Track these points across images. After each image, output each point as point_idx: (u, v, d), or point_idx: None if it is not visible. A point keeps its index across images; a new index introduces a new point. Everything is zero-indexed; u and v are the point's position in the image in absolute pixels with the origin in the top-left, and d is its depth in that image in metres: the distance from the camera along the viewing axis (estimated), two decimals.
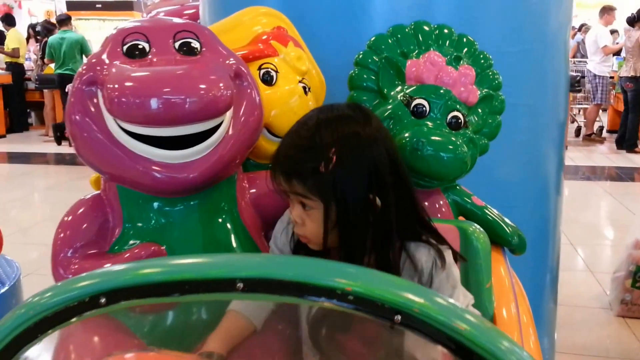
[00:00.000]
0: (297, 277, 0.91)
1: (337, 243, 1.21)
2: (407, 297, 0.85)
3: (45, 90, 10.66)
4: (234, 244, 1.47)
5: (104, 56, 1.37)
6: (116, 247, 1.42)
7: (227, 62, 1.42)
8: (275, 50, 1.69)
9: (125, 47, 1.37)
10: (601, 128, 10.96)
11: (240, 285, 0.92)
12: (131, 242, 1.42)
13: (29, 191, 7.04)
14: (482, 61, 1.78)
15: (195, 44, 1.40)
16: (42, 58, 10.52)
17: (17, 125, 11.51)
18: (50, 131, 10.35)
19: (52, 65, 10.11)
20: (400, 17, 1.94)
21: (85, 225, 1.43)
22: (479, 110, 1.73)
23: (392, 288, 0.87)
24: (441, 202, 1.74)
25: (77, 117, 1.35)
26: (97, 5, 13.81)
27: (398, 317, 0.85)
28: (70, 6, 13.66)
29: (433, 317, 0.84)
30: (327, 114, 1.23)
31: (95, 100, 1.35)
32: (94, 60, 1.37)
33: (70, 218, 1.44)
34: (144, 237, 1.42)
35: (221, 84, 1.31)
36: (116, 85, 1.28)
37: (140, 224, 1.44)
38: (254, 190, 1.55)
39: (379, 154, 1.21)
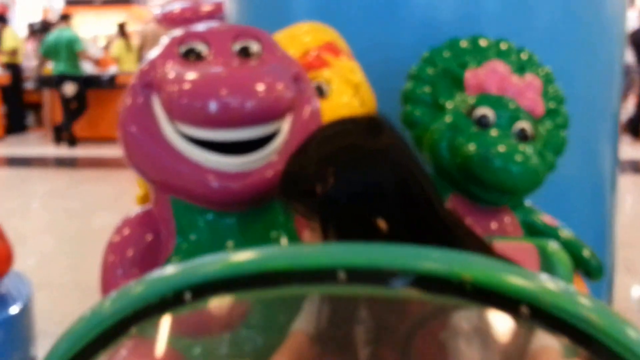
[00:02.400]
0: (408, 265, 0.81)
1: None
2: (537, 286, 0.74)
3: (44, 91, 10.42)
4: None
5: (160, 59, 1.30)
6: (171, 263, 1.31)
7: (287, 65, 1.35)
8: (326, 62, 1.62)
9: (182, 50, 1.30)
10: None
11: (342, 275, 0.81)
12: (186, 257, 1.31)
13: (28, 196, 6.80)
14: (543, 75, 1.71)
15: (255, 48, 1.34)
16: (40, 57, 10.29)
17: (15, 126, 11.17)
18: (50, 132, 9.99)
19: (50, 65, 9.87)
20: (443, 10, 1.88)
21: (135, 244, 1.36)
22: (545, 124, 1.65)
23: (519, 276, 0.77)
24: (510, 221, 1.63)
25: (131, 121, 1.32)
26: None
27: (525, 309, 0.73)
28: (68, 2, 13.24)
29: (564, 308, 0.72)
30: (328, 129, 1.15)
31: (150, 104, 1.30)
32: (149, 63, 1.32)
33: (119, 238, 1.37)
34: (197, 252, 1.31)
35: (282, 85, 1.27)
36: (176, 85, 1.25)
37: (193, 238, 1.36)
38: None
39: (384, 169, 1.07)
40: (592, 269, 1.66)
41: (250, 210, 1.35)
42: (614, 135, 2.49)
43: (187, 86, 1.24)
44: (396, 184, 1.06)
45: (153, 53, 1.35)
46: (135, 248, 1.35)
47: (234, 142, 1.26)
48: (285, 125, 1.31)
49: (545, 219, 1.68)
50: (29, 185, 7.29)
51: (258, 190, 1.28)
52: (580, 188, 2.34)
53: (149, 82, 1.30)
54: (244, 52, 1.34)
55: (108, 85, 9.41)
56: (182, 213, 1.35)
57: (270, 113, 1.25)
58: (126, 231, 1.38)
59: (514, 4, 2.11)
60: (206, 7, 2.79)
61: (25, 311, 2.14)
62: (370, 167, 1.06)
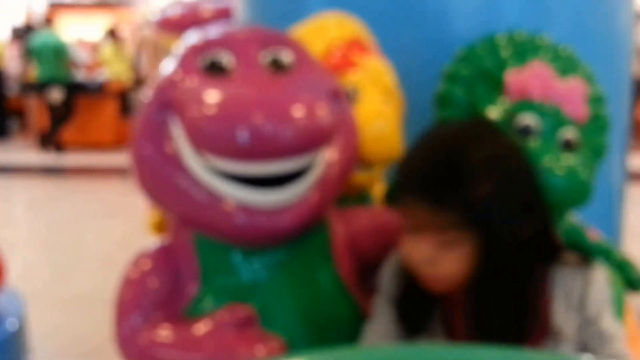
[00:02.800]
0: None
1: (464, 286, 1.05)
2: None
3: (28, 97, 10.07)
4: (333, 303, 1.23)
5: (180, 73, 1.12)
6: (194, 310, 1.16)
7: (324, 80, 1.18)
8: (354, 62, 1.44)
9: (205, 62, 1.12)
10: None
11: None
12: (212, 303, 1.16)
13: (12, 205, 6.56)
14: (585, 76, 1.57)
15: (287, 58, 1.17)
16: (24, 62, 9.92)
17: None
18: (35, 139, 9.66)
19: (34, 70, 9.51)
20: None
21: (155, 284, 1.20)
22: (589, 130, 1.51)
23: None
24: None
25: (146, 147, 1.15)
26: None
27: None
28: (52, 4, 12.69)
29: None
30: (464, 130, 1.10)
31: (169, 128, 1.13)
32: (167, 79, 1.13)
33: (135, 276, 1.21)
34: (225, 297, 1.17)
35: (323, 108, 1.11)
36: (202, 111, 1.08)
37: (220, 281, 1.20)
38: (349, 232, 1.30)
39: (531, 173, 1.09)
40: None
41: (286, 248, 1.19)
42: (623, 147, 2.42)
43: (213, 111, 1.06)
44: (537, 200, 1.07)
45: (170, 65, 1.17)
46: (156, 288, 1.19)
47: (266, 176, 1.10)
48: (323, 155, 1.15)
49: (590, 233, 1.56)
50: (12, 194, 7.05)
51: (294, 229, 1.13)
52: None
53: (168, 101, 1.12)
54: (275, 64, 1.17)
55: (97, 91, 9.16)
56: (207, 252, 1.19)
57: (311, 143, 1.10)
58: (145, 267, 1.22)
59: (531, 14, 1.97)
60: (209, 12, 2.57)
61: (20, 329, 2.02)
62: (523, 169, 1.07)
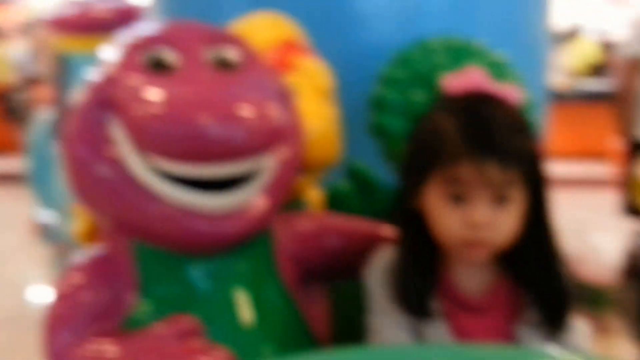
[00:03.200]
0: None
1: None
2: None
3: None
4: (278, 312, 1.20)
5: (120, 70, 1.05)
6: (134, 322, 1.09)
7: (272, 80, 1.13)
8: (291, 64, 1.40)
9: (147, 59, 1.05)
10: None
11: None
12: (152, 315, 1.09)
13: None
14: (515, 81, 1.59)
15: (234, 57, 1.11)
16: None
17: None
18: None
19: None
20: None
21: (88, 297, 1.11)
22: None
23: None
24: None
25: (82, 149, 1.08)
26: None
27: None
28: None
29: None
30: (474, 95, 1.20)
31: (108, 129, 1.03)
32: (106, 76, 1.04)
33: (66, 290, 1.12)
34: (167, 308, 1.10)
35: (274, 107, 1.07)
36: (146, 110, 1.01)
37: (161, 291, 1.13)
38: (291, 237, 1.25)
39: None
40: None
41: (231, 255, 1.14)
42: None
43: (158, 110, 0.99)
44: None
45: (109, 62, 1.08)
46: (90, 303, 1.10)
47: (213, 179, 1.04)
48: (271, 157, 1.10)
49: None
50: None
51: (240, 234, 1.08)
52: None
53: (107, 100, 1.04)
54: (221, 62, 1.11)
55: None
56: (146, 261, 1.11)
57: (261, 144, 1.05)
58: (77, 280, 1.13)
59: (454, 21, 1.99)
60: (108, 12, 2.46)
61: None
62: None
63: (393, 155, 1.49)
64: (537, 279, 1.07)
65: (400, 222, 1.14)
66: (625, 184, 3.32)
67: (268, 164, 1.09)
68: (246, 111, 1.01)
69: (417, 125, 1.14)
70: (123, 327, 1.10)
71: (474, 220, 1.01)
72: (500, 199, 1.02)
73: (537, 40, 2.33)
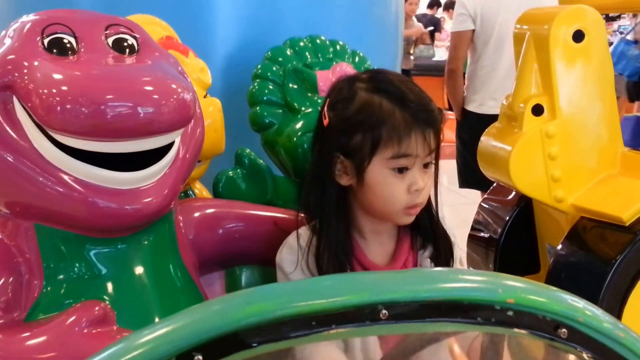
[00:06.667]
0: (449, 295, 0.74)
1: None
2: (570, 306, 0.73)
3: None
4: (183, 295, 1.22)
5: (20, 52, 1.03)
6: (39, 312, 1.06)
7: (172, 63, 1.17)
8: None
9: (47, 42, 1.05)
10: None
11: (384, 312, 0.71)
12: (60, 300, 1.07)
13: None
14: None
15: (132, 41, 1.13)
16: None
17: None
18: None
19: None
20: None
21: None
22: None
23: (554, 297, 0.75)
24: None
25: None
26: None
27: (564, 331, 0.71)
28: None
29: (597, 327, 0.72)
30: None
31: (10, 111, 1.01)
32: (4, 58, 1.03)
33: None
34: (75, 294, 1.08)
35: (182, 86, 1.09)
36: (52, 88, 1.00)
37: (67, 277, 1.12)
38: (192, 221, 1.28)
39: None
40: None
41: (136, 237, 1.15)
42: None
43: (69, 91, 0.99)
44: None
45: (8, 47, 1.06)
46: None
47: (124, 154, 1.05)
48: (178, 136, 1.14)
49: None
50: None
51: (159, 207, 1.10)
52: None
53: (8, 83, 1.03)
54: (120, 45, 1.13)
55: None
56: (51, 246, 1.10)
57: (172, 121, 1.07)
58: None
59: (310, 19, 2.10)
60: None
61: None
62: None
63: (273, 149, 1.56)
64: (428, 225, 1.22)
65: (318, 205, 1.20)
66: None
67: (176, 142, 1.12)
68: (154, 88, 1.04)
69: (343, 115, 1.17)
70: (31, 316, 1.07)
71: (418, 186, 1.13)
72: (425, 165, 1.15)
73: (387, 35, 2.47)
